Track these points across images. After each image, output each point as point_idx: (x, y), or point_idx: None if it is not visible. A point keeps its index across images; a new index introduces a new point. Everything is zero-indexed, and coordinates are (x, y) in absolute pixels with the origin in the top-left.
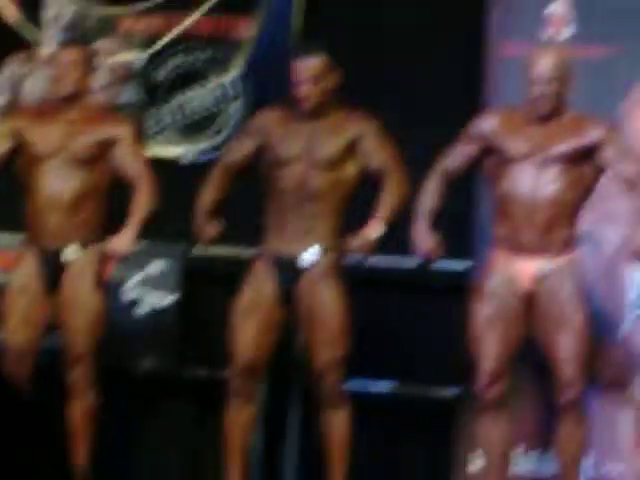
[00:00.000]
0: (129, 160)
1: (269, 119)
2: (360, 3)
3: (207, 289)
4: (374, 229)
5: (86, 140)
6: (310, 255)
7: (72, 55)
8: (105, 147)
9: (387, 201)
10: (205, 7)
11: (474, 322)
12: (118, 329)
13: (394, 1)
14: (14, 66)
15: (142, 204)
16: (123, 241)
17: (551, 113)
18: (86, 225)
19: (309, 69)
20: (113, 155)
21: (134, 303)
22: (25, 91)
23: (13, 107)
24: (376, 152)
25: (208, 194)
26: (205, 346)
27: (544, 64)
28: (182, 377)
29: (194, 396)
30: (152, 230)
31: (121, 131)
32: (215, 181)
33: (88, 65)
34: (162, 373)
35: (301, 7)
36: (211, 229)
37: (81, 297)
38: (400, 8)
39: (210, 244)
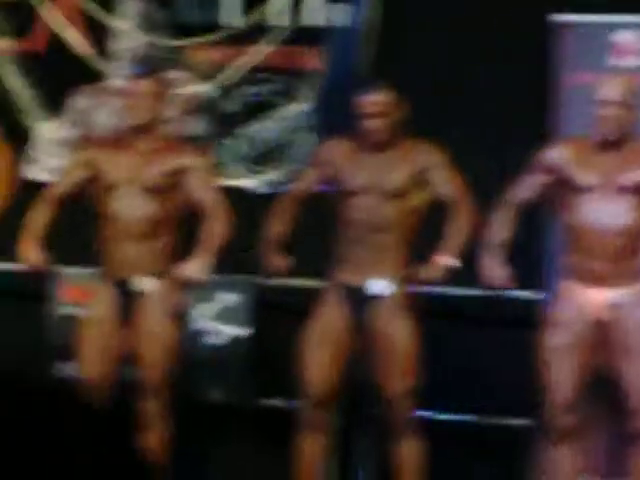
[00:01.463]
0: (202, 190)
1: (336, 150)
2: (427, 36)
3: (278, 320)
4: (444, 259)
5: (158, 170)
6: (380, 285)
7: (144, 86)
8: (177, 177)
9: (456, 232)
10: (274, 39)
11: (545, 352)
12: (191, 360)
13: (460, 33)
14: (84, 98)
15: (216, 233)
16: (196, 267)
17: (619, 141)
18: (159, 255)
19: (377, 104)
20: (185, 185)
21: (207, 334)
22: (95, 123)
23: (84, 139)
24: (444, 183)
25: (276, 225)
26: (277, 377)
27: (611, 87)
28: (254, 408)
29: (266, 427)
30: (224, 261)
31: (193, 161)
32: (283, 212)
33: (160, 96)
34: (234, 404)
35: (370, 40)
36: (280, 261)
37: (155, 328)
38: (466, 40)
39: (279, 276)
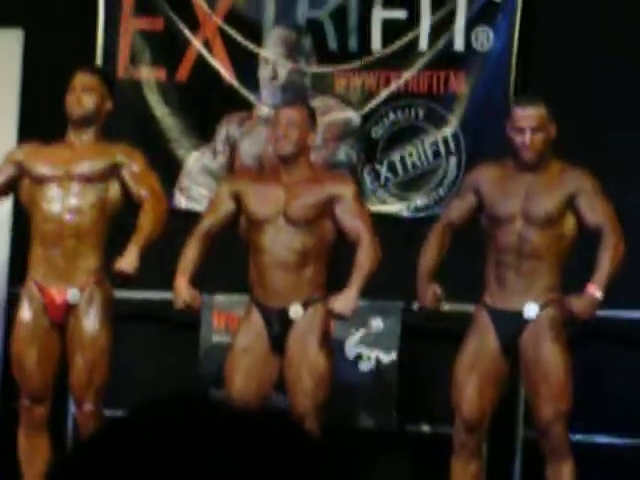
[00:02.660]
0: (351, 218)
1: (485, 175)
2: (576, 58)
3: (425, 345)
4: (595, 290)
5: (307, 201)
6: (531, 310)
7: (292, 115)
8: (327, 206)
9: (606, 261)
10: (420, 63)
11: None
12: (339, 387)
13: (610, 57)
14: (231, 127)
15: (365, 263)
16: (346, 301)
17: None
18: (310, 284)
19: (531, 117)
20: (335, 213)
21: (355, 361)
22: (242, 151)
23: (231, 167)
24: (594, 210)
25: (429, 255)
26: (425, 402)
27: None
28: (402, 433)
29: (414, 452)
30: (373, 287)
31: (343, 189)
32: (434, 243)
33: (308, 124)
34: (382, 429)
35: (517, 63)
36: (434, 292)
37: (307, 356)
38: (616, 64)
39: (434, 308)
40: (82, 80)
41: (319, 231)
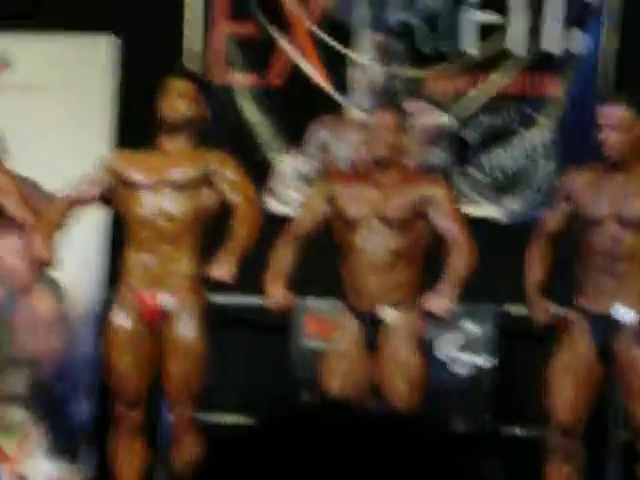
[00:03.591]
0: (446, 220)
1: (576, 181)
2: None
3: (521, 349)
4: None
5: (401, 203)
6: (624, 313)
7: (385, 119)
8: (420, 207)
9: None
10: (512, 66)
11: None
12: (433, 390)
13: None
14: (323, 130)
15: (461, 265)
16: (441, 302)
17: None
18: (403, 286)
19: (612, 116)
20: (429, 215)
21: (449, 364)
22: (334, 155)
23: (323, 172)
24: None
25: (535, 270)
26: (519, 405)
27: None
28: (497, 436)
29: (509, 456)
30: (468, 291)
31: (436, 192)
32: (538, 254)
33: (401, 128)
34: (477, 432)
35: (609, 66)
36: (545, 309)
37: (401, 359)
38: None
39: (545, 322)
40: (176, 86)
41: (413, 233)
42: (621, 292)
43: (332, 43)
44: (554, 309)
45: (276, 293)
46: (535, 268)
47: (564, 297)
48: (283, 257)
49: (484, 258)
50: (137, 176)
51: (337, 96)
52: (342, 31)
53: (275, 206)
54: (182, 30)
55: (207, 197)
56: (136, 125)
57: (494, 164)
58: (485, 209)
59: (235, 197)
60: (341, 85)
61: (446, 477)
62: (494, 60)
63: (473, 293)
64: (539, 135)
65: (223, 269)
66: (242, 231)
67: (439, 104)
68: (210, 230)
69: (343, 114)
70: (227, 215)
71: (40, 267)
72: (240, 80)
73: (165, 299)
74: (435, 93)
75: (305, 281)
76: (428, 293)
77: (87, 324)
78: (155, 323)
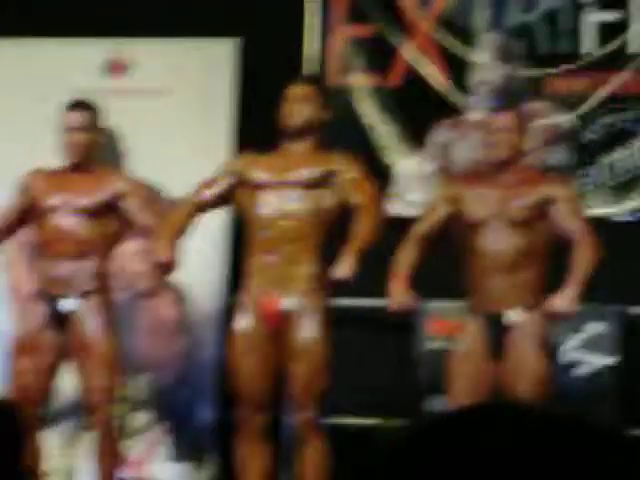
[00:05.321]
0: (569, 219)
1: None
2: None
3: None
4: None
5: (524, 203)
6: None
7: (506, 120)
8: (543, 208)
9: None
10: (634, 66)
11: None
12: (557, 391)
13: None
14: (444, 132)
15: (584, 263)
16: (565, 301)
17: None
18: (527, 287)
19: None
20: (551, 215)
21: (572, 365)
22: (455, 156)
23: (444, 173)
24: None
25: None
26: None
27: None
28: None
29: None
30: (591, 291)
31: (559, 191)
32: None
33: (521, 129)
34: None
35: None
36: None
37: (526, 361)
38: None
39: None
40: (297, 91)
41: (536, 233)
42: None
43: (452, 45)
44: None
45: (399, 294)
46: None
47: None
48: (406, 259)
49: (606, 257)
50: (260, 177)
51: (457, 97)
52: (462, 32)
53: (397, 208)
54: (301, 34)
55: (329, 198)
56: (257, 128)
57: (615, 164)
58: (606, 209)
59: (357, 198)
60: (461, 86)
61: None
62: (614, 59)
63: (596, 293)
64: None
65: (342, 269)
66: (363, 231)
67: (560, 104)
68: (332, 232)
69: (463, 115)
70: (348, 216)
71: (163, 272)
72: (359, 82)
73: (288, 301)
74: (555, 93)
75: (428, 282)
76: (553, 294)
77: (209, 327)
78: (278, 325)
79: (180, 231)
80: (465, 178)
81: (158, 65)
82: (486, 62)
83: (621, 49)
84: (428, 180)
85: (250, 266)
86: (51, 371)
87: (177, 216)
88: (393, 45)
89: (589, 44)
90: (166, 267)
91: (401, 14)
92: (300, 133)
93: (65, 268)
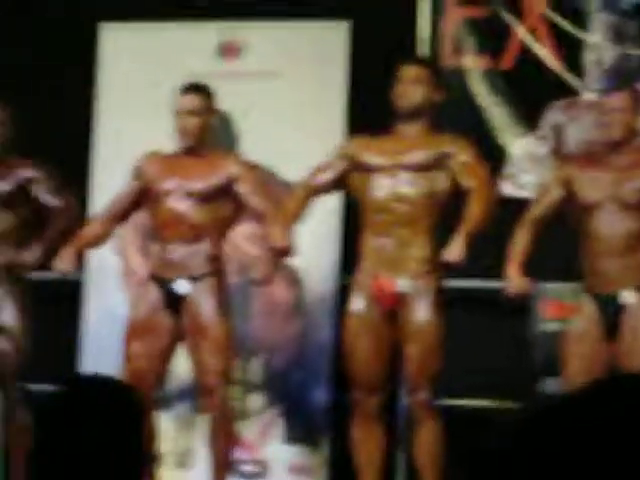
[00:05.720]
0: None
1: None
2: None
3: None
4: None
5: (637, 185)
6: None
7: (620, 101)
8: None
9: None
10: None
11: None
12: None
13: None
14: (557, 113)
15: None
16: None
17: None
18: None
19: None
20: None
21: None
22: (568, 138)
23: (557, 154)
24: None
25: None
26: None
27: None
28: None
29: None
30: None
31: None
32: None
33: (635, 110)
34: None
35: None
36: None
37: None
38: None
39: None
40: (409, 72)
41: None
42: None
43: (565, 26)
44: None
45: (516, 280)
46: None
47: None
48: (521, 241)
49: None
50: (374, 160)
51: (570, 79)
52: (575, 13)
53: (510, 190)
54: (414, 16)
55: (442, 180)
56: (370, 111)
57: None
58: None
59: (469, 181)
60: (575, 67)
61: None
62: None
63: None
64: None
65: (453, 251)
66: (475, 213)
67: None
68: (444, 214)
69: (577, 96)
70: (461, 199)
71: (279, 257)
72: (473, 64)
73: (402, 283)
74: None
75: (543, 264)
76: None
77: (324, 310)
78: (392, 307)
79: (296, 216)
80: (578, 160)
81: (271, 48)
82: (600, 43)
83: None
84: (541, 162)
85: (364, 248)
86: (165, 354)
87: (293, 201)
88: (507, 26)
89: None
90: (282, 253)
91: None
92: (413, 115)
93: (179, 252)
